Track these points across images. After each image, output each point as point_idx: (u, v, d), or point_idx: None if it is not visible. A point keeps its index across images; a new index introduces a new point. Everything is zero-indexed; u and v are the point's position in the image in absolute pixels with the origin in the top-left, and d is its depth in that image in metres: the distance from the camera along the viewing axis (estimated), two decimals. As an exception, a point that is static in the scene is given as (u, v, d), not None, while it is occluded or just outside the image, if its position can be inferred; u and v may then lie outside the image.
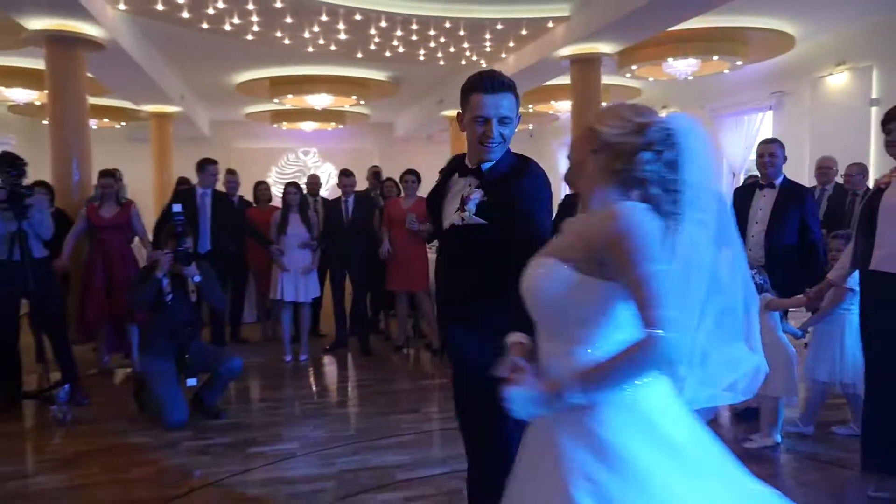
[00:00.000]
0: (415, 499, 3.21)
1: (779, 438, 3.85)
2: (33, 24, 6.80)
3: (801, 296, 3.66)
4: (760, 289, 3.84)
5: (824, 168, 6.23)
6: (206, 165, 6.16)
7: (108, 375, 5.71)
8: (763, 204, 4.17)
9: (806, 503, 3.18)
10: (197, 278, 4.35)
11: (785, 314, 3.99)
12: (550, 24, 8.56)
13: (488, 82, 2.07)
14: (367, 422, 4.44)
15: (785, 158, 4.19)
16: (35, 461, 3.80)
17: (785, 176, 4.22)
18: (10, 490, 3.40)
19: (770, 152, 4.14)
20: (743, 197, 4.33)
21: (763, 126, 11.14)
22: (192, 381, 4.32)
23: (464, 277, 2.16)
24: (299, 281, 5.95)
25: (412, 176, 6.24)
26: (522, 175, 2.11)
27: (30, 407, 4.83)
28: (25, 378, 4.96)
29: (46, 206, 5.00)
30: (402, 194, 6.40)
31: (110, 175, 5.70)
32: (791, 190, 4.14)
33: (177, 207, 4.56)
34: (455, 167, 2.28)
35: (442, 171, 2.52)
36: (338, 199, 6.49)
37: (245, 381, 5.41)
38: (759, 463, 3.66)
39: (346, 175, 6.48)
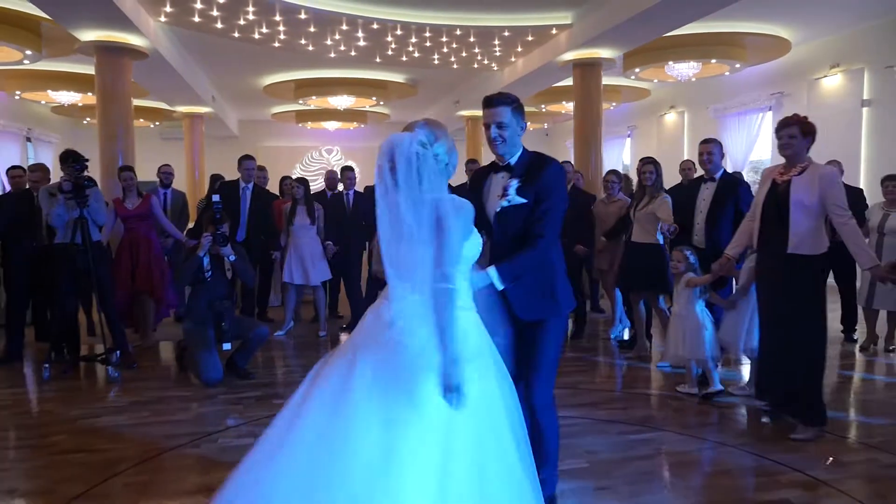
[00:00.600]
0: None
1: (719, 387, 4.57)
2: (85, 36, 7.63)
3: (709, 274, 4.34)
4: (691, 267, 4.52)
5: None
6: (242, 161, 6.91)
7: (152, 348, 6.48)
8: (706, 195, 4.84)
9: (734, 444, 3.80)
10: (232, 258, 5.09)
11: (714, 288, 4.62)
12: (554, 31, 9.16)
13: (488, 99, 2.75)
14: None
15: (722, 155, 4.84)
16: (98, 407, 4.56)
17: (724, 170, 4.87)
18: (83, 426, 4.17)
19: (708, 151, 4.81)
20: (691, 190, 5.00)
21: (764, 125, 11.62)
22: (226, 346, 5.04)
23: (513, 247, 2.68)
24: (307, 265, 6.58)
25: None
26: (545, 166, 2.76)
27: (85, 369, 5.61)
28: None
29: (102, 196, 5.75)
30: None
31: (130, 169, 6.45)
32: (728, 182, 4.79)
33: (216, 197, 5.30)
34: (486, 172, 2.89)
35: (471, 179, 3.10)
36: (340, 193, 7.13)
37: (270, 352, 6.16)
38: (698, 413, 4.30)
39: (347, 170, 7.14)
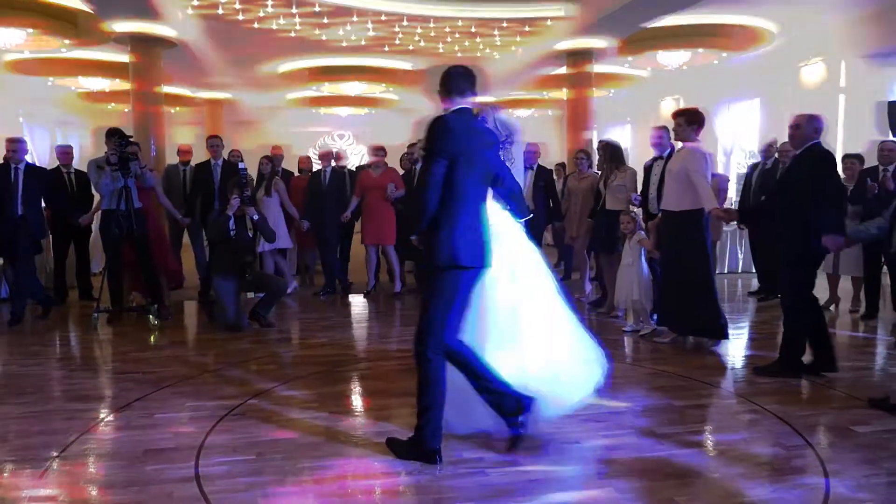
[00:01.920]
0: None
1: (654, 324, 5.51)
2: (120, 28, 8.41)
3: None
4: (638, 226, 5.36)
5: (766, 146, 7.45)
6: (208, 140, 7.62)
7: (177, 306, 7.30)
8: (657, 171, 5.65)
9: (673, 372, 4.57)
10: (255, 216, 5.88)
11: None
12: (549, 23, 9.83)
13: None
14: (364, 330, 5.99)
15: (670, 137, 5.62)
16: (143, 345, 5.40)
17: (672, 148, 5.65)
18: (133, 357, 5.02)
19: (658, 135, 5.62)
20: (650, 167, 5.82)
21: (751, 112, 12.26)
22: (250, 294, 5.86)
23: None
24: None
25: (381, 152, 7.46)
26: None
27: (126, 319, 6.43)
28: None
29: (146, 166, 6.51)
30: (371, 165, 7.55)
31: (135, 144, 7.11)
32: (673, 158, 5.60)
33: (241, 165, 6.09)
34: None
35: None
36: (319, 171, 7.69)
37: (286, 308, 6.95)
38: (651, 351, 5.08)
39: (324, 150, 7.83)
